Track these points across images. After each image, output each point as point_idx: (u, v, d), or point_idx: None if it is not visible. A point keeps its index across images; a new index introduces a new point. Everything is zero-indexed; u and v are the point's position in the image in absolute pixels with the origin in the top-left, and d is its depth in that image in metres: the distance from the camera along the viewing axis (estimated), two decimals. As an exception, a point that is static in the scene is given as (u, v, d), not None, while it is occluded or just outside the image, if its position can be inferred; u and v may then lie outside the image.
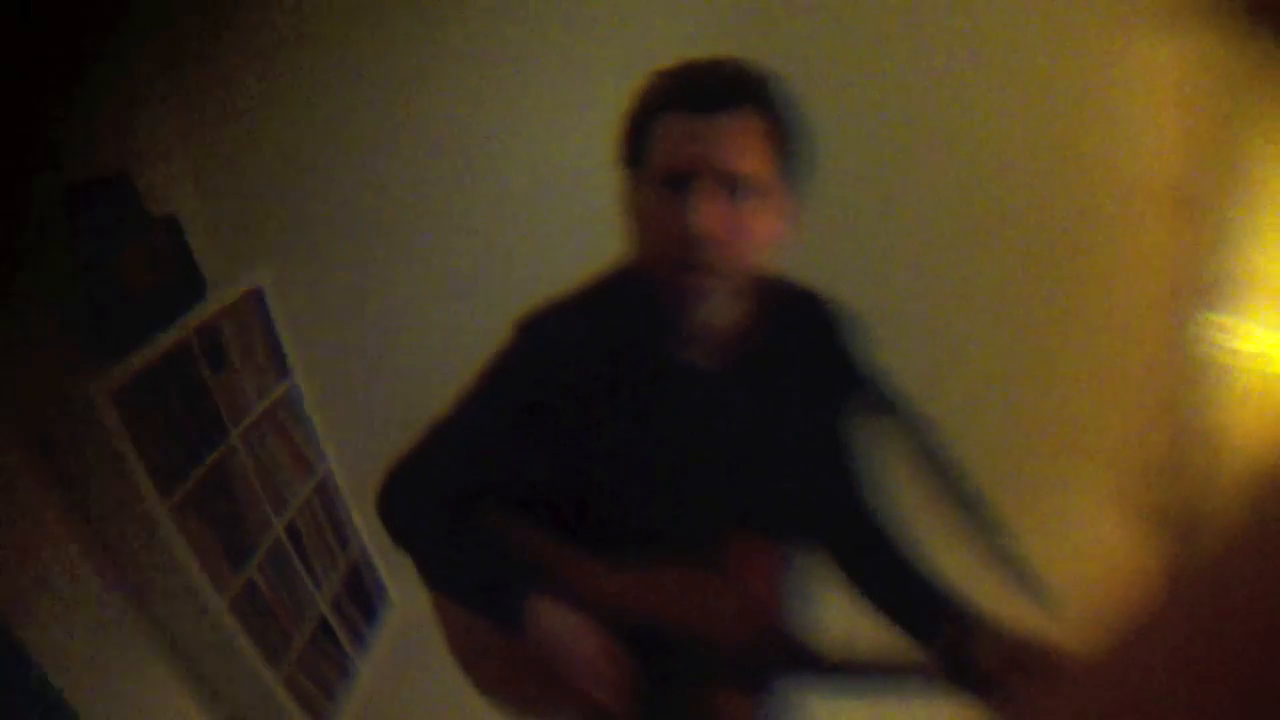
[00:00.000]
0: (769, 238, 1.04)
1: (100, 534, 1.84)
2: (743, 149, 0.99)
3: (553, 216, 2.58)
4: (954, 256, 2.63)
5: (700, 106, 0.99)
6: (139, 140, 2.18)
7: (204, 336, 2.16)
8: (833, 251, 2.63)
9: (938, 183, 2.55)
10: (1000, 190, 2.52)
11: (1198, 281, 2.38)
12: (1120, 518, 2.69)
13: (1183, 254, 2.42)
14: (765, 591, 1.13)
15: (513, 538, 1.17)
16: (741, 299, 1.08)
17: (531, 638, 1.09)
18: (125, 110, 2.13)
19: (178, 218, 2.09)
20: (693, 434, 1.13)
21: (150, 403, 1.94)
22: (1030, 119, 2.42)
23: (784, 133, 1.02)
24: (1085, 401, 2.67)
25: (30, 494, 1.65)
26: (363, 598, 2.80)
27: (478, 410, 1.14)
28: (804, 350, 1.16)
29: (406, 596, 2.92)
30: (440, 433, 1.16)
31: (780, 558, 1.17)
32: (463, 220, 2.66)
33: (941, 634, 1.09)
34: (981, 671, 1.02)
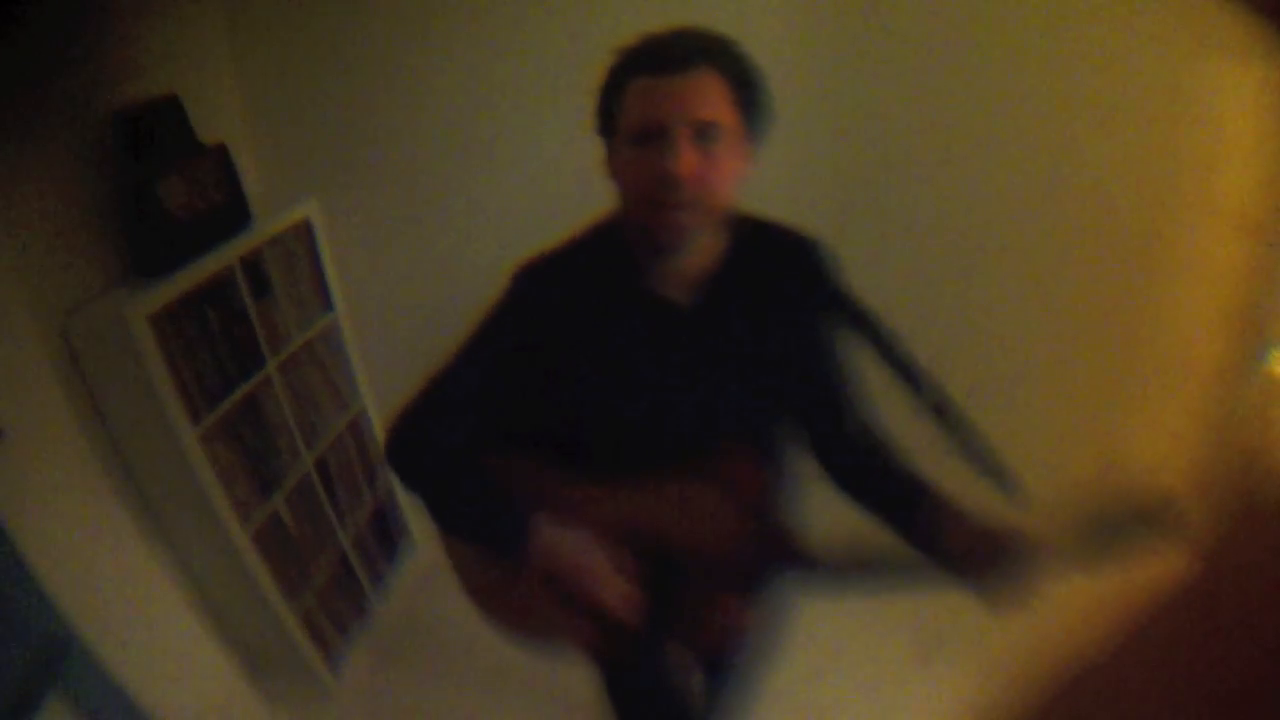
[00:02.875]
0: (736, 176, 1.17)
1: (125, 456, 1.85)
2: (705, 100, 1.11)
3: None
4: (1020, 266, 2.58)
5: (665, 69, 1.11)
6: (190, 70, 2.15)
7: (248, 265, 2.15)
8: (903, 255, 2.66)
9: (1009, 196, 2.54)
10: (1069, 206, 2.48)
11: (1261, 310, 2.28)
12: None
13: (1248, 282, 2.34)
14: (756, 495, 1.25)
15: (512, 472, 1.29)
16: (716, 235, 1.21)
17: (538, 559, 1.21)
18: (176, 37, 2.10)
19: (227, 147, 2.06)
20: (677, 362, 1.25)
21: (188, 328, 1.93)
22: (1108, 138, 2.38)
23: (742, 85, 1.15)
24: (1138, 422, 2.59)
25: (57, 412, 1.66)
26: (386, 538, 2.82)
27: (478, 355, 1.25)
28: (775, 277, 1.27)
29: (429, 539, 2.93)
30: (444, 378, 1.25)
31: (768, 463, 1.30)
32: (519, 163, 2.60)
33: (918, 521, 1.25)
34: (955, 552, 1.19)
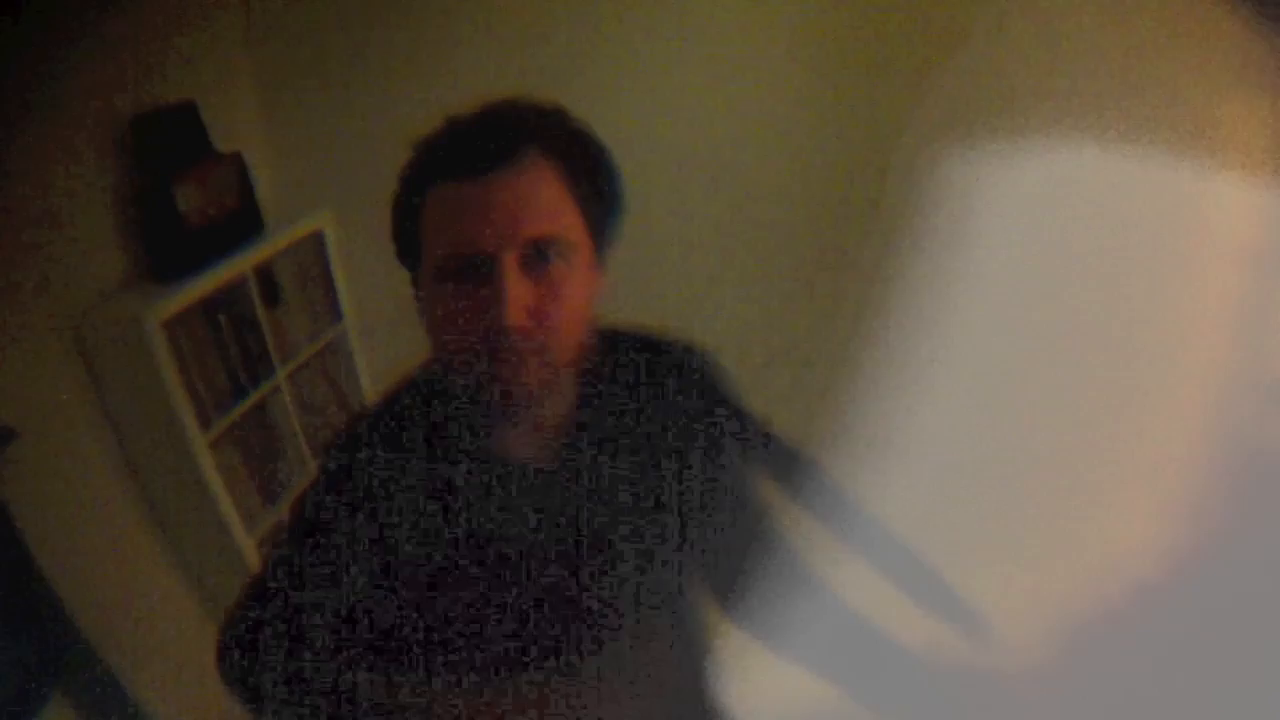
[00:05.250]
0: (588, 301, 0.86)
1: (135, 460, 1.85)
2: (535, 205, 0.80)
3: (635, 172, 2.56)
4: (1024, 300, 2.56)
5: (472, 167, 0.79)
6: (208, 78, 2.17)
7: (261, 274, 2.16)
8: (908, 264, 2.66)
9: (1022, 234, 2.50)
10: (1068, 241, 2.47)
11: (1262, 347, 2.29)
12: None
13: (1250, 319, 2.34)
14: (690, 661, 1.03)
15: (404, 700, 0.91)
16: (572, 374, 0.89)
17: None
18: (195, 45, 2.12)
19: (243, 156, 2.08)
20: (547, 537, 0.93)
21: (201, 334, 1.95)
22: (1116, 172, 2.37)
23: (581, 171, 0.84)
24: (1137, 451, 2.59)
25: (69, 414, 1.66)
26: (391, 550, 2.81)
27: (301, 547, 0.93)
28: (656, 404, 0.96)
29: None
30: (269, 575, 0.95)
31: (680, 624, 1.05)
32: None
33: None
34: None
